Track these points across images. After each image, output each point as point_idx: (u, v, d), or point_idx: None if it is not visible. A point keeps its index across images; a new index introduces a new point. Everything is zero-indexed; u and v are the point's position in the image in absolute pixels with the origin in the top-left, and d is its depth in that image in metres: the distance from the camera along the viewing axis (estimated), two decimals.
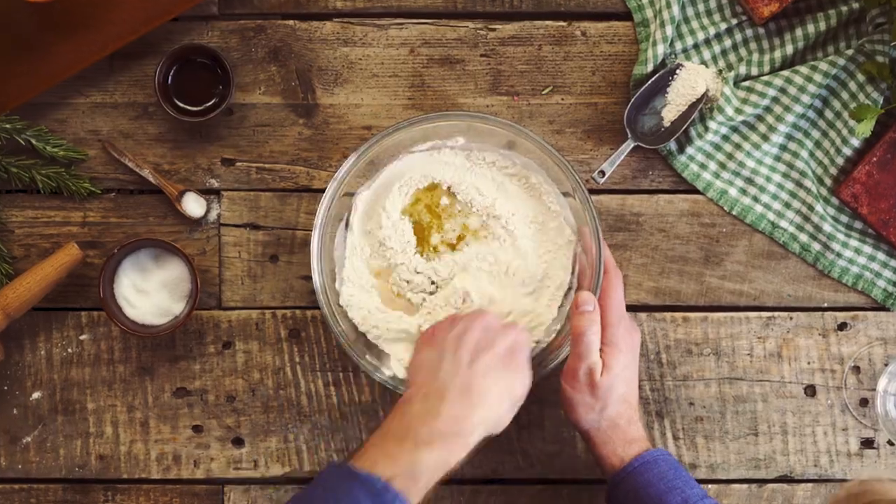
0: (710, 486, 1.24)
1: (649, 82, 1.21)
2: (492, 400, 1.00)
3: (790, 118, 1.21)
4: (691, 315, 1.25)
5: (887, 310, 1.25)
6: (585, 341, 1.07)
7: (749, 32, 1.23)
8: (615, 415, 1.09)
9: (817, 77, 1.19)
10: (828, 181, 1.24)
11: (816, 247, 1.23)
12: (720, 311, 1.24)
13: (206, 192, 1.23)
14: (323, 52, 1.23)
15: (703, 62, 1.23)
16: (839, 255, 1.23)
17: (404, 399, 1.02)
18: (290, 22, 1.23)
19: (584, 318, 1.07)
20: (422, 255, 1.18)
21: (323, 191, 1.14)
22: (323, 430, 1.24)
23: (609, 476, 1.10)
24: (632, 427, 1.09)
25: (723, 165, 1.23)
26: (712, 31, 1.22)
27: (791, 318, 1.24)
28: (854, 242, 1.23)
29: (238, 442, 1.24)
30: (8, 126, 1.20)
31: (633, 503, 1.06)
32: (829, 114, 1.23)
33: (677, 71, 1.21)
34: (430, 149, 1.18)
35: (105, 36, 1.18)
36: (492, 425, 1.01)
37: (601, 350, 1.08)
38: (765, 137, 1.22)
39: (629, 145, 1.21)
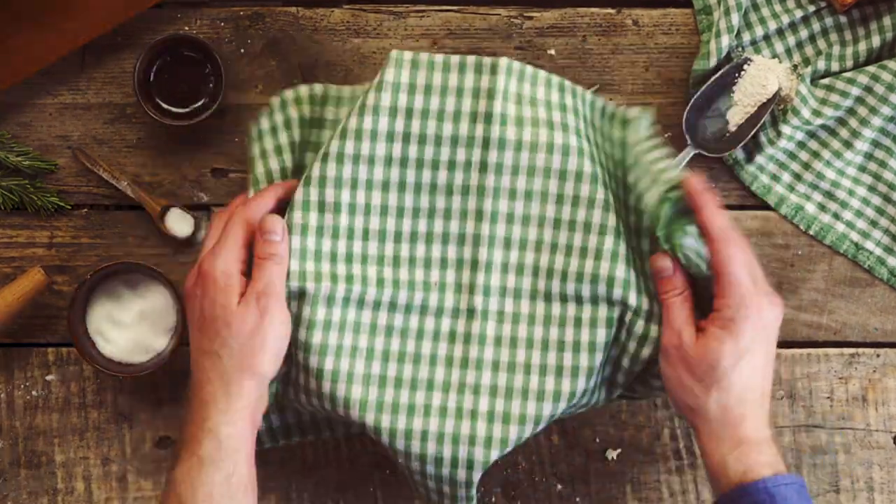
0: None
1: (712, 80, 1.17)
2: None
3: (877, 122, 1.17)
4: None
5: None
6: (665, 308, 1.03)
7: (829, 21, 1.19)
8: (722, 406, 0.99)
9: None
10: None
11: None
12: (795, 348, 1.21)
13: (194, 208, 1.21)
14: (331, 44, 1.21)
15: (776, 56, 1.20)
16: None
17: None
18: (293, 8, 1.21)
19: (660, 282, 1.04)
20: None
21: None
22: (330, 488, 1.20)
23: (712, 480, 1.02)
24: (746, 425, 0.99)
25: (798, 177, 1.20)
26: (786, 19, 1.19)
27: (878, 356, 1.21)
28: None
29: None
30: None
31: None
32: None
33: (745, 66, 1.17)
34: None
35: (76, 25, 1.17)
36: None
37: (711, 320, 1.00)
38: (847, 144, 1.19)
39: (689, 153, 1.18)
